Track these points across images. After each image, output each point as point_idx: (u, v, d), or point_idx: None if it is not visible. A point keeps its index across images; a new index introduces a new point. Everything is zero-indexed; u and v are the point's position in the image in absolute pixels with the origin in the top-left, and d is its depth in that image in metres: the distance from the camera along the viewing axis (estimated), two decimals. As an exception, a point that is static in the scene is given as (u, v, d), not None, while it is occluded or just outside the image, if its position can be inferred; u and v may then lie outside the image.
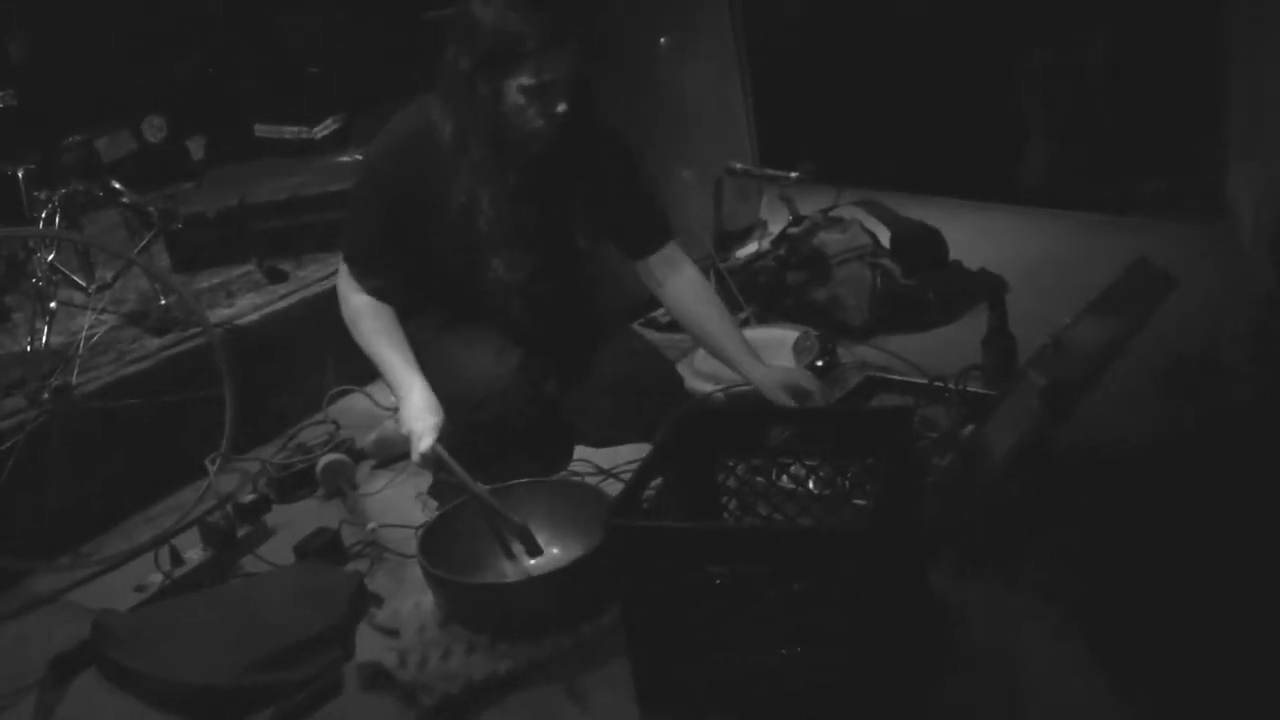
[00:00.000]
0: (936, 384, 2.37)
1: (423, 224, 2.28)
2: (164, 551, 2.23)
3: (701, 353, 2.61)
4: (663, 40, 3.09)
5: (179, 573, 2.19)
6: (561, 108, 2.11)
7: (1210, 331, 2.24)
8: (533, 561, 2.08)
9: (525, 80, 2.07)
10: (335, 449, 2.57)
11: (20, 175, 2.82)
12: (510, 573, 2.07)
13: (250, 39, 4.28)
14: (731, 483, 1.96)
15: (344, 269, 2.35)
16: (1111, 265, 2.35)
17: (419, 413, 2.19)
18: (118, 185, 2.93)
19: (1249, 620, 1.64)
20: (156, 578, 2.18)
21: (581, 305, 2.55)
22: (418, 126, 2.25)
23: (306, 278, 3.06)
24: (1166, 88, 3.48)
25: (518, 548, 2.09)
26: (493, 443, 2.29)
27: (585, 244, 2.40)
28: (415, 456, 2.17)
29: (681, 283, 2.40)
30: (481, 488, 2.11)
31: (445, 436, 2.17)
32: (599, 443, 2.49)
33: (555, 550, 2.09)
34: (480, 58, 2.09)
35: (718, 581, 1.60)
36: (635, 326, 2.95)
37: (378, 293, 2.31)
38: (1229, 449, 1.98)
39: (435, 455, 2.13)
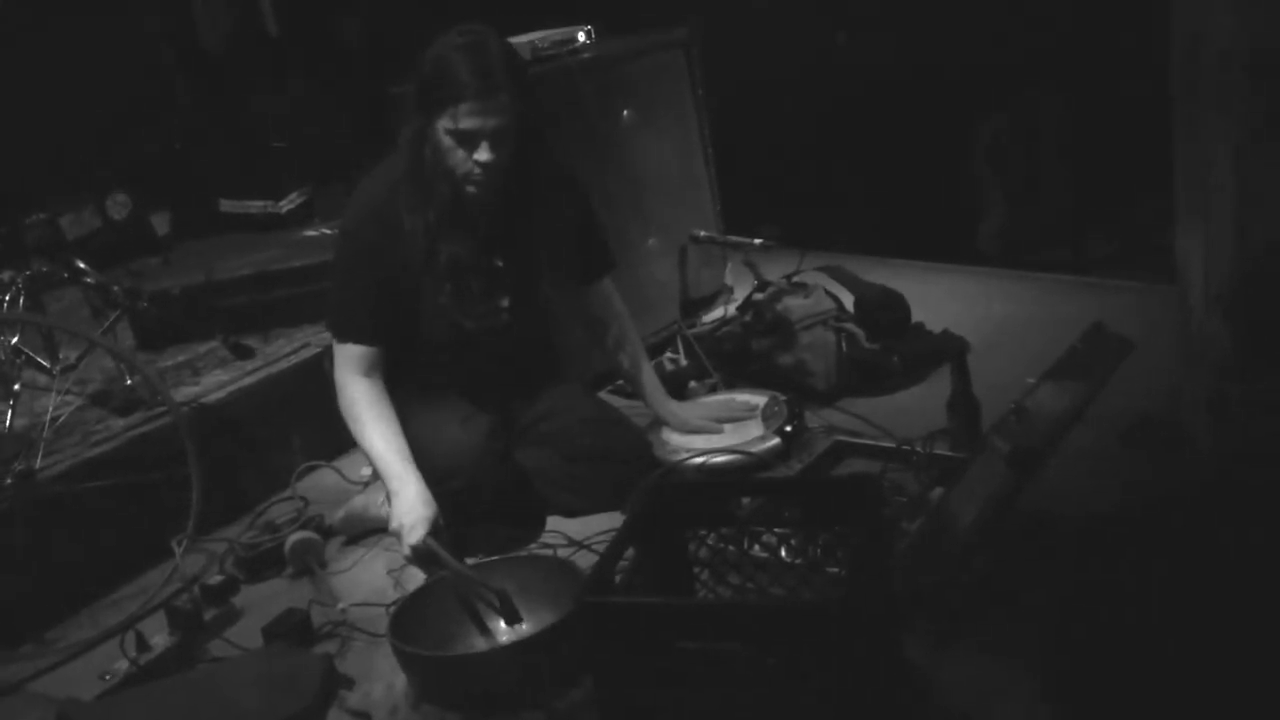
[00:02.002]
0: (904, 448, 2.40)
1: (405, 280, 2.32)
2: (130, 637, 2.19)
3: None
4: (626, 113, 3.14)
5: (145, 659, 2.15)
6: (485, 156, 2.18)
7: (1166, 394, 2.28)
8: (505, 639, 2.06)
9: (448, 124, 2.16)
10: (304, 526, 2.55)
11: (-17, 255, 2.83)
12: (482, 648, 2.05)
13: (215, 114, 4.31)
14: (703, 553, 1.97)
15: (338, 352, 2.35)
16: (1068, 326, 2.40)
17: (409, 506, 2.18)
18: (82, 265, 2.93)
19: (1219, 679, 1.66)
20: (122, 664, 2.15)
21: (541, 352, 2.61)
22: (384, 186, 2.31)
23: (273, 353, 3.06)
24: (1117, 151, 3.58)
25: (494, 622, 2.08)
26: (462, 512, 2.29)
27: (549, 288, 2.49)
28: (405, 550, 2.16)
29: (613, 318, 2.63)
30: (474, 576, 2.10)
31: (437, 528, 2.16)
32: (570, 513, 2.50)
33: (527, 626, 2.07)
34: (416, 99, 2.19)
35: (690, 656, 1.60)
36: (602, 394, 2.97)
37: (369, 366, 2.32)
38: (1189, 509, 2.01)
39: (426, 548, 2.12)
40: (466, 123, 2.15)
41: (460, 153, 2.19)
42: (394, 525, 2.19)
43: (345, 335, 2.33)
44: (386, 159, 2.35)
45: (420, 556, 2.14)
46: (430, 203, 2.25)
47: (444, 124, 2.16)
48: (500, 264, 2.38)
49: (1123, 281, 3.33)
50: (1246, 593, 1.79)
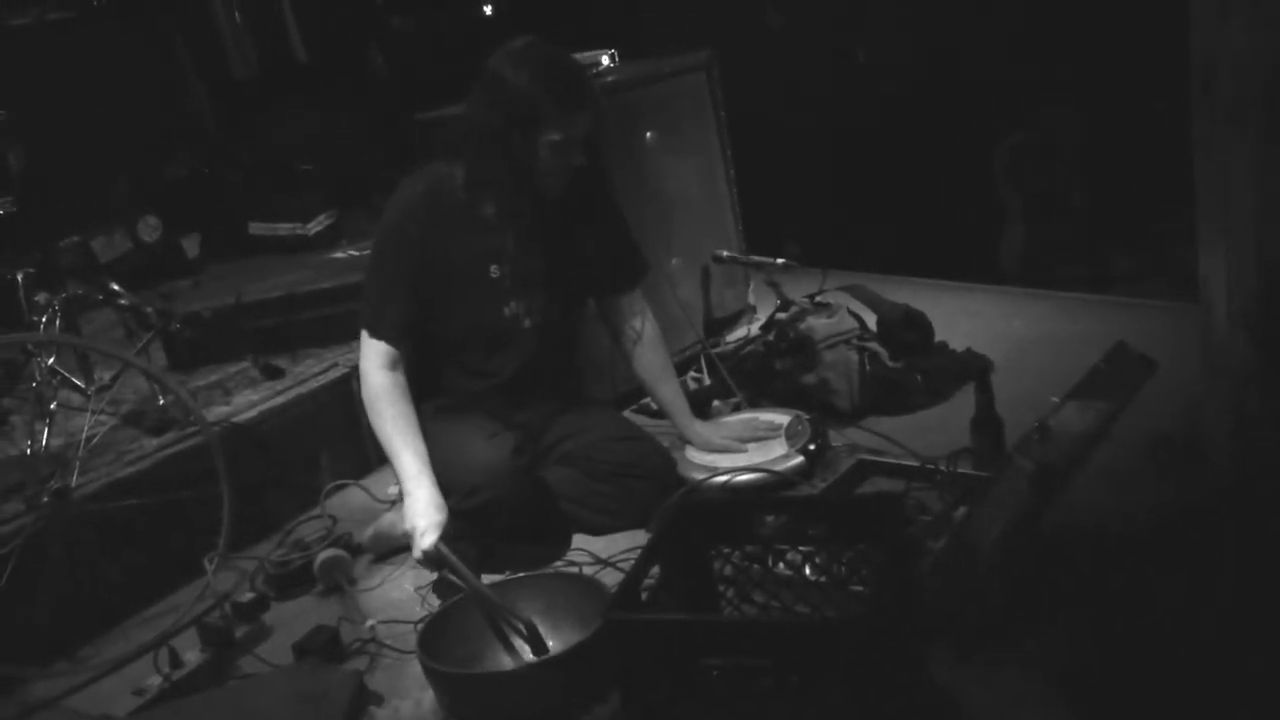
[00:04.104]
0: (928, 466, 2.41)
1: (440, 278, 2.39)
2: (162, 653, 2.22)
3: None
4: (649, 135, 3.18)
5: (178, 675, 2.18)
6: (580, 160, 2.33)
7: (1190, 412, 2.28)
8: (530, 655, 2.07)
9: (555, 136, 2.27)
10: (333, 544, 2.58)
11: (20, 279, 2.88)
12: (505, 666, 2.07)
13: (243, 139, 4.38)
14: (728, 571, 1.98)
15: (366, 344, 2.40)
16: (1091, 344, 2.41)
17: (423, 509, 2.22)
18: (116, 287, 2.98)
19: (1241, 693, 1.66)
20: (155, 680, 2.18)
21: (566, 368, 2.65)
22: (428, 186, 2.41)
23: (302, 373, 3.10)
24: (1138, 167, 3.58)
25: (520, 643, 2.10)
26: (487, 528, 2.32)
27: (586, 283, 2.57)
28: (416, 553, 2.19)
29: (644, 334, 2.65)
30: (484, 585, 2.12)
31: (448, 535, 2.19)
32: (595, 531, 2.51)
33: (553, 643, 2.09)
34: (514, 116, 2.27)
35: (715, 673, 1.62)
36: (627, 413, 2.99)
37: (401, 360, 2.38)
38: (1212, 526, 2.01)
39: (437, 553, 2.15)
40: (571, 134, 2.28)
41: (557, 161, 2.31)
42: (406, 526, 2.24)
43: (375, 331, 2.39)
44: (425, 167, 2.45)
45: (431, 561, 2.19)
46: (509, 207, 2.35)
47: (548, 138, 2.27)
48: (540, 260, 2.44)
49: (1145, 300, 3.32)
50: (1270, 608, 1.78)
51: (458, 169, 2.39)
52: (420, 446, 2.33)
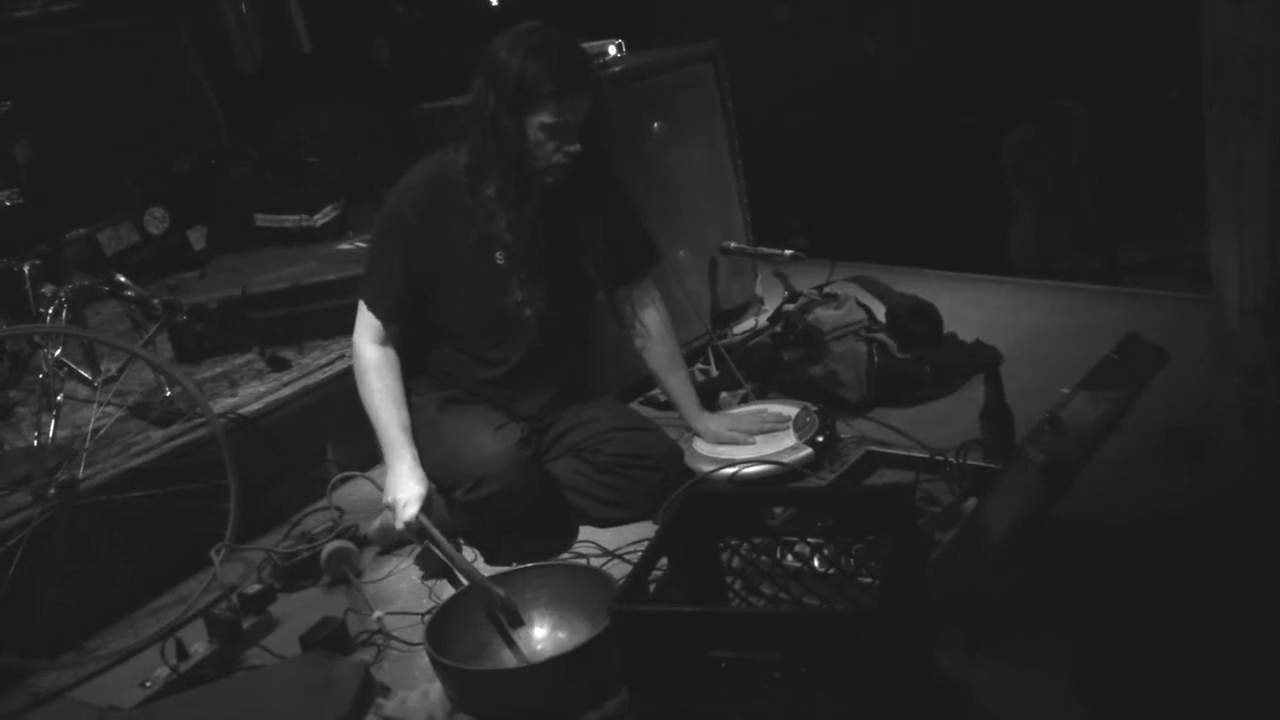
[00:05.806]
0: (937, 458, 2.40)
1: (443, 264, 2.40)
2: (169, 645, 2.22)
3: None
4: (656, 125, 3.16)
5: (184, 666, 2.18)
6: (575, 146, 2.30)
7: (1201, 404, 2.27)
8: (539, 647, 2.08)
9: (545, 119, 2.26)
10: (339, 536, 2.58)
11: (26, 270, 2.88)
12: (514, 659, 2.07)
13: (249, 131, 4.38)
14: (736, 563, 1.97)
15: (362, 315, 2.44)
16: (1102, 335, 2.39)
17: (403, 481, 2.29)
18: (122, 279, 2.98)
19: (1251, 684, 1.65)
20: (162, 672, 2.17)
21: (573, 360, 2.64)
22: (433, 173, 2.42)
23: (308, 365, 3.10)
24: (1150, 159, 3.56)
25: (523, 631, 2.10)
26: (494, 519, 2.32)
27: (594, 272, 2.55)
28: (399, 524, 2.26)
29: (654, 325, 2.64)
30: (463, 557, 2.14)
31: (431, 507, 2.22)
32: (602, 523, 2.51)
33: (562, 635, 2.09)
34: (505, 97, 2.26)
35: (724, 665, 1.61)
36: (635, 405, 2.98)
37: (393, 338, 2.43)
38: (1222, 519, 2.00)
39: (419, 524, 2.21)
40: (566, 116, 2.26)
41: (550, 145, 2.29)
42: (388, 499, 2.30)
43: (372, 306, 2.44)
44: (434, 154, 2.45)
45: (413, 532, 2.25)
46: (505, 191, 2.34)
47: (540, 119, 2.26)
48: (542, 249, 2.43)
49: (1157, 291, 3.31)
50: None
51: (463, 155, 2.38)
52: (405, 420, 2.39)
